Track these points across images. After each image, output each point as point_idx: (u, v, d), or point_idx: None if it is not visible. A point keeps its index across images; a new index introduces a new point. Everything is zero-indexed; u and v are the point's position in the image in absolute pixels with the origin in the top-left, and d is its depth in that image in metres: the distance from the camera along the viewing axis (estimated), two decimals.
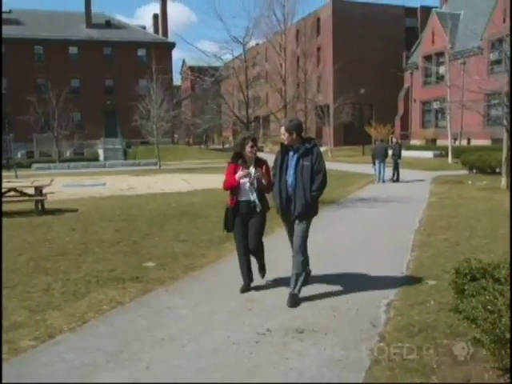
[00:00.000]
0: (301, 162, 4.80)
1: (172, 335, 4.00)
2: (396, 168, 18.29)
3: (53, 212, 12.28)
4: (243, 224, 5.17)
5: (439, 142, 37.27)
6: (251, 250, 5.20)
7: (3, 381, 2.87)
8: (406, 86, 45.12)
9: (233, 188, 5.15)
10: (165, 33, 54.36)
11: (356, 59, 44.96)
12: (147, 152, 43.02)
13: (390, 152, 18.71)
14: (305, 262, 4.97)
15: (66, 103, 39.42)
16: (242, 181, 5.08)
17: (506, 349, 2.66)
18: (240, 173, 5.03)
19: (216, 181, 19.72)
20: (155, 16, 57.93)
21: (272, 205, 5.19)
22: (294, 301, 4.72)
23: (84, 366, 3.47)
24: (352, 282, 5.41)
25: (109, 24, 52.59)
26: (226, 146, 67.22)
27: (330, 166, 30.87)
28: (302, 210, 4.77)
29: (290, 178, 4.86)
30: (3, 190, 13.00)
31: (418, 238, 7.79)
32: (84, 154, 45.09)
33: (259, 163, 5.18)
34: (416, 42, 45.25)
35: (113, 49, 50.21)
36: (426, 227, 8.77)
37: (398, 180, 18.16)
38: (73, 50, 49.20)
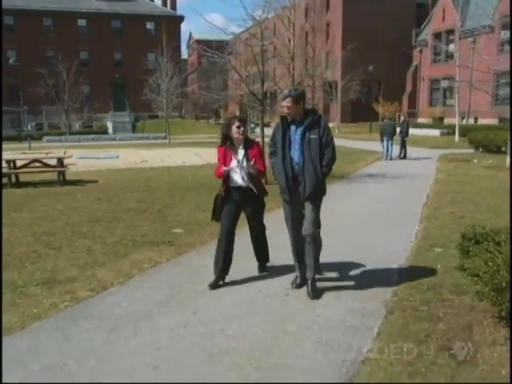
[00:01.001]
0: (307, 136, 4.30)
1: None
2: (403, 145, 18.70)
3: (74, 183, 12.85)
4: (234, 211, 4.71)
5: (446, 121, 37.44)
6: (254, 235, 4.92)
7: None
8: (414, 63, 45.01)
9: (224, 177, 4.69)
10: (173, 6, 54.09)
11: (365, 36, 44.74)
12: (155, 126, 43.45)
13: (398, 130, 19.08)
14: (319, 245, 4.65)
15: (76, 76, 39.67)
16: (232, 164, 4.61)
17: (503, 296, 3.20)
18: (224, 168, 4.57)
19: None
20: None
21: (275, 188, 4.74)
22: (315, 290, 4.43)
23: (139, 312, 4.05)
24: (364, 249, 5.95)
25: None
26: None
27: (337, 142, 31.23)
28: (313, 189, 4.29)
29: (295, 154, 4.35)
30: (26, 162, 13.58)
31: (426, 212, 8.31)
32: (93, 127, 45.51)
33: (250, 145, 4.67)
34: (426, 19, 44.96)
35: (122, 22, 50.12)
36: (432, 202, 9.28)
37: (405, 157, 18.58)
38: (81, 22, 49.14)
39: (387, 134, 18.19)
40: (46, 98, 41.73)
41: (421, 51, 43.91)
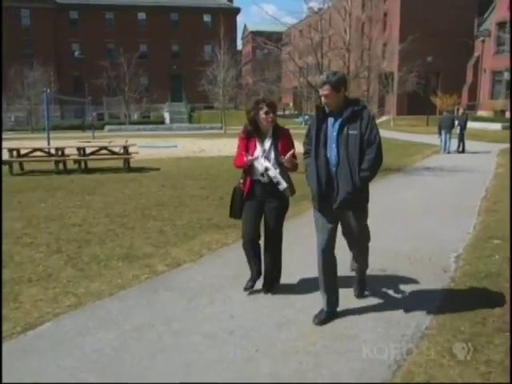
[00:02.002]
0: (345, 131, 3.55)
1: None
2: (461, 139, 18.34)
3: (138, 170, 13.55)
4: (257, 210, 4.12)
5: (508, 114, 36.07)
6: (270, 238, 4.20)
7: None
8: (476, 54, 43.51)
9: (244, 168, 4.11)
10: None
11: (424, 26, 43.57)
12: (210, 116, 44.35)
13: (456, 123, 18.71)
14: (366, 264, 4.15)
15: (136, 68, 41.09)
16: (256, 154, 4.03)
17: None
18: (249, 157, 3.98)
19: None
20: None
21: (306, 189, 3.98)
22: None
23: (213, 285, 4.45)
24: (422, 238, 6.12)
25: None
26: (287, 112, 67.31)
27: (392, 135, 30.93)
28: (346, 196, 3.53)
29: (332, 153, 3.61)
30: (94, 149, 14.44)
31: (484, 205, 8.31)
32: (150, 117, 47.01)
33: (279, 134, 4.07)
34: (490, 7, 43.25)
35: (179, 14, 51.26)
36: (492, 195, 9.22)
37: (463, 151, 18.22)
38: (141, 15, 50.71)
39: (445, 127, 17.91)
40: (107, 89, 43.50)
41: (483, 41, 42.38)
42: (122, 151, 14.05)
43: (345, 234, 3.93)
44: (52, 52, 48.53)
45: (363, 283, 4.23)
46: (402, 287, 4.41)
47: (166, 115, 47.02)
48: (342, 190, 3.55)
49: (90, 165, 13.98)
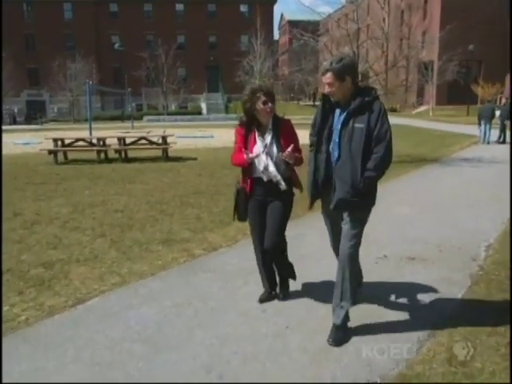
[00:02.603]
0: (350, 124, 3.17)
1: (309, 253, 5.12)
2: (503, 129, 17.93)
3: (176, 159, 13.94)
4: (261, 211, 3.76)
5: None
6: (266, 249, 3.74)
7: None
8: None
9: (244, 166, 3.71)
10: None
11: (466, 13, 42.46)
12: None
13: (498, 113, 18.29)
14: (355, 277, 3.50)
15: (174, 59, 41.75)
16: (255, 150, 3.63)
17: None
18: (250, 155, 3.57)
19: None
20: None
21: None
22: (338, 337, 3.30)
23: (247, 268, 4.67)
24: (455, 228, 6.18)
25: None
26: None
27: (430, 125, 30.36)
28: (344, 197, 3.20)
29: (335, 149, 3.27)
30: (134, 139, 14.91)
31: None
32: (188, 108, 47.67)
33: (279, 126, 3.67)
34: None
35: (216, 5, 51.60)
36: None
37: (504, 142, 17.82)
38: (179, 6, 51.29)
39: (485, 117, 17.56)
40: (146, 80, 44.36)
41: None
42: (160, 141, 14.46)
43: (342, 239, 3.42)
44: (93, 44, 49.81)
45: (353, 297, 3.48)
46: (428, 274, 4.54)
47: (203, 106, 47.60)
48: (340, 188, 3.21)
49: (130, 154, 14.48)
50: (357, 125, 3.15)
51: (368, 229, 5.51)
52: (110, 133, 20.80)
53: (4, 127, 37.24)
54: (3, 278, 4.56)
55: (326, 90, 3.23)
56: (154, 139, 14.85)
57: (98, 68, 46.85)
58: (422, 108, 45.69)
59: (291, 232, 4.11)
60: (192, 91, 47.73)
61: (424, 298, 4.01)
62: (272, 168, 3.62)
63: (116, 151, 14.08)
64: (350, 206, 3.26)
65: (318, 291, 4.14)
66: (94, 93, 23.15)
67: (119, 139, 14.32)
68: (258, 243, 3.84)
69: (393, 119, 23.98)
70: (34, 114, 48.72)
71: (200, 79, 49.77)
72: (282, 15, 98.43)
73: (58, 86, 43.37)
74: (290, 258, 4.07)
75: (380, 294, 4.09)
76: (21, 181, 10.62)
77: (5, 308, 3.87)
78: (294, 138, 3.65)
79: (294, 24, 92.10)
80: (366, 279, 4.40)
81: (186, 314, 3.72)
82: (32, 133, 29.58)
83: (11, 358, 3.12)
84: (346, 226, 3.34)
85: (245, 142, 3.68)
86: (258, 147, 3.63)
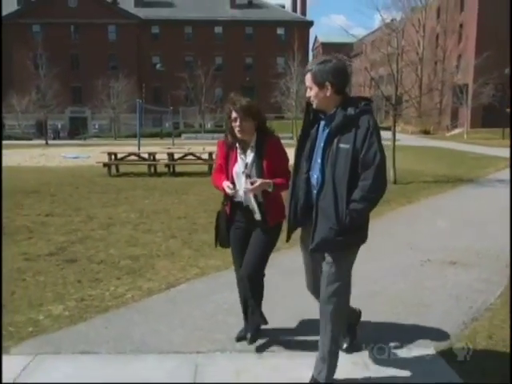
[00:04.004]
0: (334, 143, 2.70)
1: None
2: None
3: None
4: (242, 239, 3.36)
5: None
6: (246, 278, 3.30)
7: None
8: None
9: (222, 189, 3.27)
10: (303, 11, 55.98)
11: (501, 36, 42.58)
12: (281, 126, 45.36)
13: None
14: (343, 328, 3.10)
15: (212, 79, 43.24)
16: (235, 169, 3.23)
17: None
18: (225, 183, 3.20)
19: None
20: None
21: None
22: None
23: None
24: (494, 240, 6.72)
25: (251, 4, 55.63)
26: None
27: (465, 148, 30.39)
28: (326, 236, 2.71)
29: (315, 170, 2.82)
30: (181, 155, 15.86)
31: None
32: (223, 127, 48.94)
33: (264, 143, 3.18)
34: None
35: (254, 28, 53.26)
36: None
37: None
38: (218, 29, 53.15)
39: None
40: (184, 99, 45.91)
41: None
42: (206, 157, 15.36)
43: (322, 282, 2.90)
44: (135, 64, 52.01)
45: (352, 332, 3.39)
46: (469, 275, 5.14)
47: None
48: (322, 225, 2.72)
49: (177, 169, 15.40)
50: (341, 145, 2.67)
51: (410, 238, 6.18)
52: (154, 149, 21.88)
53: (49, 141, 39.19)
54: (99, 266, 5.38)
55: (307, 94, 2.81)
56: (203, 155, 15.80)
57: (139, 87, 48.76)
58: (456, 131, 45.75)
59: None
60: None
61: (467, 292, 4.61)
62: (250, 197, 3.19)
63: (166, 165, 15.04)
64: (334, 247, 2.75)
65: (375, 283, 4.79)
66: (138, 110, 24.36)
67: (169, 154, 15.29)
68: (238, 276, 3.47)
69: (426, 141, 24.85)
70: (77, 130, 50.97)
71: None
72: (315, 37, 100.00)
73: (100, 103, 45.36)
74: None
75: (428, 286, 4.72)
76: (83, 190, 11.62)
77: (111, 288, 4.67)
78: (280, 158, 3.22)
79: (327, 46, 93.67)
80: (414, 277, 5.06)
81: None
82: (78, 148, 31.13)
83: (130, 323, 3.88)
84: (326, 266, 2.82)
85: (226, 158, 3.29)
86: (239, 166, 3.23)
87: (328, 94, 2.73)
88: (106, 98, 44.67)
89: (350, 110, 2.69)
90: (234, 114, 3.10)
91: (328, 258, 2.81)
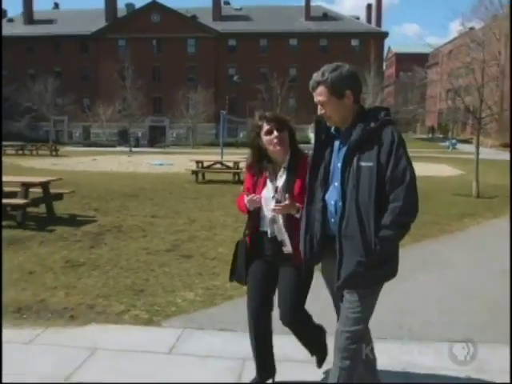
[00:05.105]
0: (354, 162, 2.36)
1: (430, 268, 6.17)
2: None
3: None
4: (265, 275, 2.89)
5: None
6: (286, 325, 2.84)
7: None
8: None
9: (244, 213, 2.95)
10: (378, 22, 55.75)
11: None
12: None
13: None
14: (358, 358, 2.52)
15: (287, 91, 44.14)
16: (264, 195, 2.81)
17: None
18: (248, 199, 2.81)
19: (435, 169, 21.18)
20: (368, 6, 59.64)
21: None
22: None
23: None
24: None
25: (325, 16, 56.21)
26: (430, 135, 65.65)
27: None
28: (356, 269, 2.36)
29: (332, 195, 2.47)
30: (210, 163, 16.71)
31: None
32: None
33: (297, 164, 2.79)
34: None
35: (328, 39, 53.70)
36: None
37: None
38: (293, 41, 54.09)
39: None
40: (260, 110, 47.12)
41: None
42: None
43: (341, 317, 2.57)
44: (212, 76, 54.04)
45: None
46: None
47: (311, 135, 49.22)
48: (347, 258, 2.38)
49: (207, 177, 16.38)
50: (363, 163, 2.34)
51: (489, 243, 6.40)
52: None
53: (132, 149, 41.63)
54: (213, 262, 6.12)
55: (319, 111, 2.46)
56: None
57: (216, 98, 50.62)
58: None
59: None
60: (302, 121, 49.75)
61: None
62: (280, 221, 2.76)
63: (193, 172, 16.04)
64: (363, 282, 2.40)
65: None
66: (225, 121, 25.57)
67: (197, 162, 16.52)
68: (251, 311, 2.90)
69: (507, 155, 23.78)
70: (155, 138, 53.70)
71: (309, 110, 51.42)
72: (389, 48, 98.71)
73: (179, 113, 47.55)
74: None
75: None
76: (177, 195, 12.63)
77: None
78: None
79: (401, 56, 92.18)
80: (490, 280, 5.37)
81: None
82: (161, 155, 32.99)
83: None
84: (345, 306, 2.48)
85: (254, 185, 2.90)
86: (268, 191, 2.80)
87: (350, 104, 2.42)
88: (184, 108, 46.78)
89: (370, 123, 2.37)
90: (266, 127, 2.79)
91: (354, 296, 2.42)
